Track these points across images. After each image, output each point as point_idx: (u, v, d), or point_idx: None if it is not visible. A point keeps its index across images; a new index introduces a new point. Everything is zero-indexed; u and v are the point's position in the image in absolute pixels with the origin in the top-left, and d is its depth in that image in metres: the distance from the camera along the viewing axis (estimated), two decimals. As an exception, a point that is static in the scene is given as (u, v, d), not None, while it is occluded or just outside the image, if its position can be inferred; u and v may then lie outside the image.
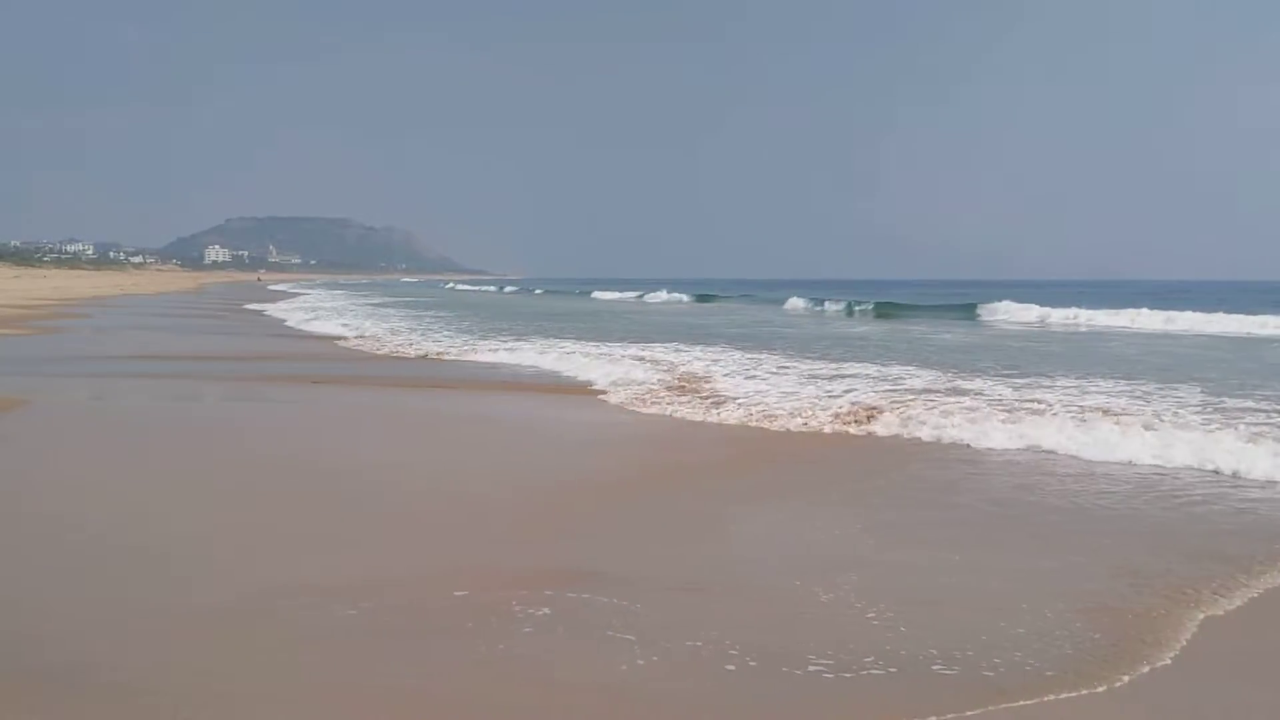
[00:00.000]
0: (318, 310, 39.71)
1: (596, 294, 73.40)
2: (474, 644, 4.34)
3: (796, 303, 51.24)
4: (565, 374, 15.79)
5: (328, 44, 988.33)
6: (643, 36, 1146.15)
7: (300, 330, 27.81)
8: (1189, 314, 32.63)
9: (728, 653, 4.25)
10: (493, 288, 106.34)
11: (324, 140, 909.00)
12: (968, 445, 9.29)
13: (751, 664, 4.15)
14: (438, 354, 19.49)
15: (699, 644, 4.33)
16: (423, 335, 23.92)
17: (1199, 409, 10.14)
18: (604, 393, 13.16)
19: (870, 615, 4.73)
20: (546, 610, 4.72)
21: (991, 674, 4.08)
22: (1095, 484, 7.75)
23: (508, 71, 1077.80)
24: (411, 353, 19.85)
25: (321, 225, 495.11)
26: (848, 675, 4.05)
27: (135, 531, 6.28)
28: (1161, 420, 9.39)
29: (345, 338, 23.85)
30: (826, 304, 47.96)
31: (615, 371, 15.03)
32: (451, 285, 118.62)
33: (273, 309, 42.48)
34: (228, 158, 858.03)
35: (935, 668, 4.12)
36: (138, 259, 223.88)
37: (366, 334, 24.58)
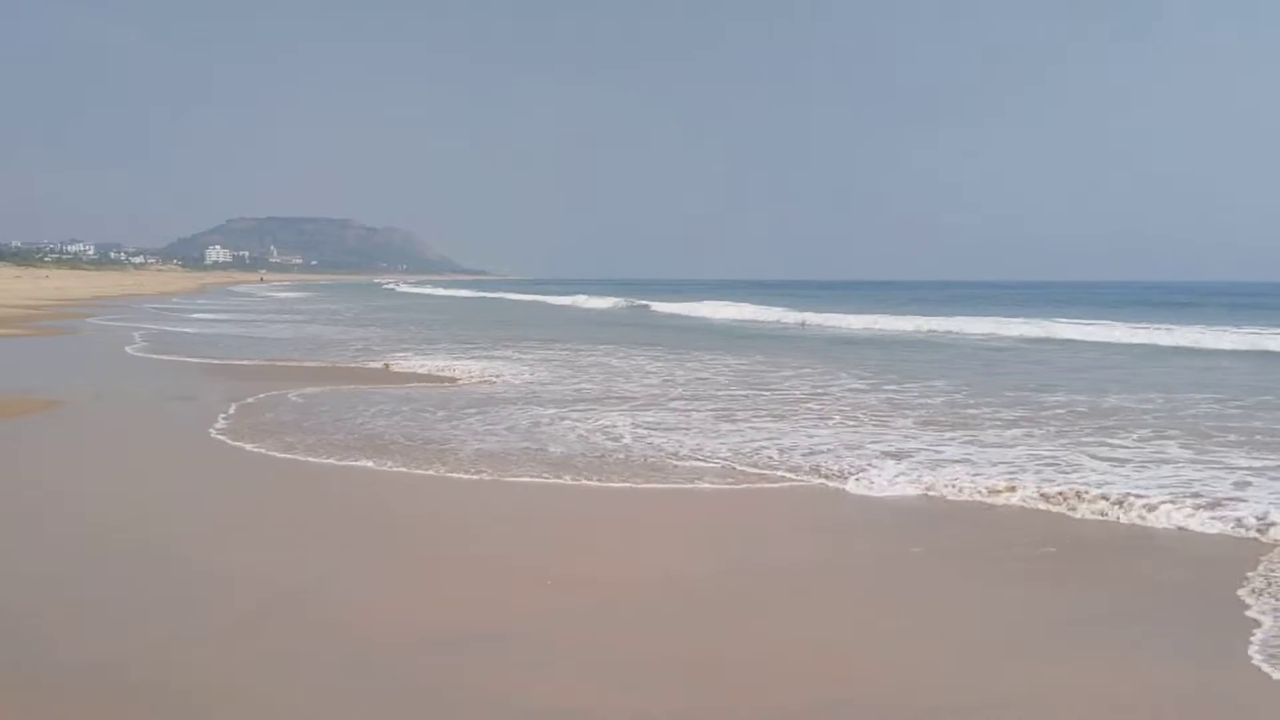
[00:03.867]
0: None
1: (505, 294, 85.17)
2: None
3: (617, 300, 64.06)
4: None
5: (329, 44, 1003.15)
6: (644, 33, 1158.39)
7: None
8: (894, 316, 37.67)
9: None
10: (437, 290, 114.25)
11: (324, 140, 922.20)
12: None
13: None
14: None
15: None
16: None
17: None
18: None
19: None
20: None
21: None
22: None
23: (509, 71, 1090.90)
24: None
25: (322, 225, 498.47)
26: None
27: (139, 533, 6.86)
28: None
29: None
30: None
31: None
32: (392, 286, 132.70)
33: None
34: (228, 158, 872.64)
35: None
36: (139, 259, 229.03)
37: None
